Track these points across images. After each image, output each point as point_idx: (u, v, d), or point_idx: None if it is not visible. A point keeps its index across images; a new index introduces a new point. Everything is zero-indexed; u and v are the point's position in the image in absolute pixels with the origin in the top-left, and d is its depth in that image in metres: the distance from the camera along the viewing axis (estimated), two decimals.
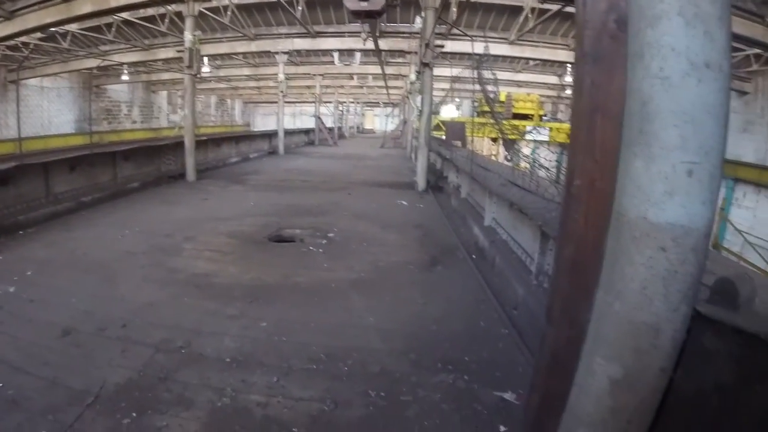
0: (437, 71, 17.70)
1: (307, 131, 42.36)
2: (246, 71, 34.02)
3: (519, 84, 32.59)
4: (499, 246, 8.09)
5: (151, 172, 15.94)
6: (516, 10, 18.73)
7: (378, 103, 62.78)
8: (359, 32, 19.59)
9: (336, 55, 28.41)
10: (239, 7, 20.05)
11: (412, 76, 23.68)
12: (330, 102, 49.74)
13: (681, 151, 1.78)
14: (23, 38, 19.63)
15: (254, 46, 23.43)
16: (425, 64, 15.69)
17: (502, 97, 31.58)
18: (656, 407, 2.12)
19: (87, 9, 14.18)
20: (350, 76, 39.05)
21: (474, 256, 8.62)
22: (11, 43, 21.06)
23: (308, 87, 41.09)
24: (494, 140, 28.76)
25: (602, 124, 2.18)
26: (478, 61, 12.78)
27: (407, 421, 3.95)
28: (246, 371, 4.59)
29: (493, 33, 19.68)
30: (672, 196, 1.81)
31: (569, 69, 24.65)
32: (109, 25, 21.46)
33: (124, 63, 27.04)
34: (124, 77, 32.57)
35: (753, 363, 1.96)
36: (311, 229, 9.98)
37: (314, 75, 34.35)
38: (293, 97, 48.66)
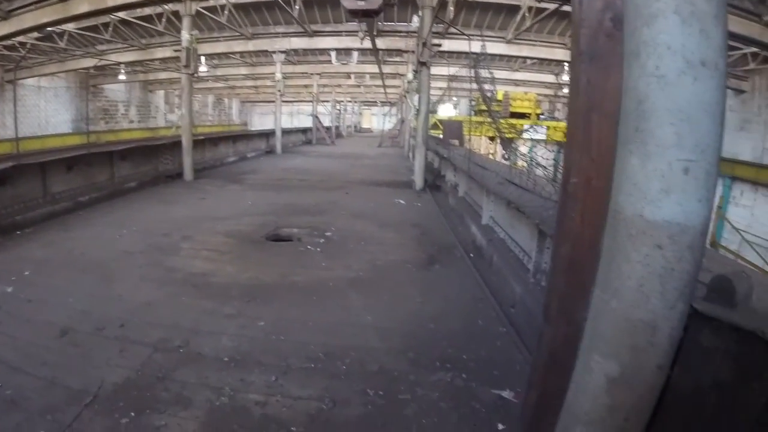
0: (434, 70, 17.74)
1: (304, 130, 42.28)
2: (243, 70, 34.01)
3: (516, 83, 32.59)
4: (497, 244, 8.09)
5: (148, 172, 15.92)
6: (513, 9, 18.73)
7: (375, 102, 62.87)
8: (356, 31, 19.57)
9: (333, 54, 28.40)
10: (236, 6, 20.03)
11: (410, 75, 23.71)
12: (327, 101, 49.74)
13: (677, 149, 1.78)
14: (20, 38, 19.57)
15: (251, 46, 23.42)
16: (422, 63, 15.68)
17: (500, 96, 31.66)
18: (654, 405, 2.12)
19: (84, 8, 14.13)
20: (348, 75, 39.10)
21: (472, 255, 8.63)
22: (8, 42, 21.03)
23: (305, 86, 41.03)
24: (492, 139, 28.79)
25: (598, 122, 2.19)
26: (476, 60, 12.79)
27: (405, 419, 3.96)
28: (244, 370, 4.59)
29: (491, 32, 19.70)
30: (668, 194, 1.82)
31: (566, 68, 24.65)
32: (106, 25, 21.43)
33: (121, 62, 27.03)
34: (121, 77, 32.52)
35: (750, 360, 1.97)
36: (309, 228, 9.98)
37: (311, 74, 34.33)
38: (290, 96, 48.66)
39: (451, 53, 21.23)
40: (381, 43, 20.67)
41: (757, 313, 2.07)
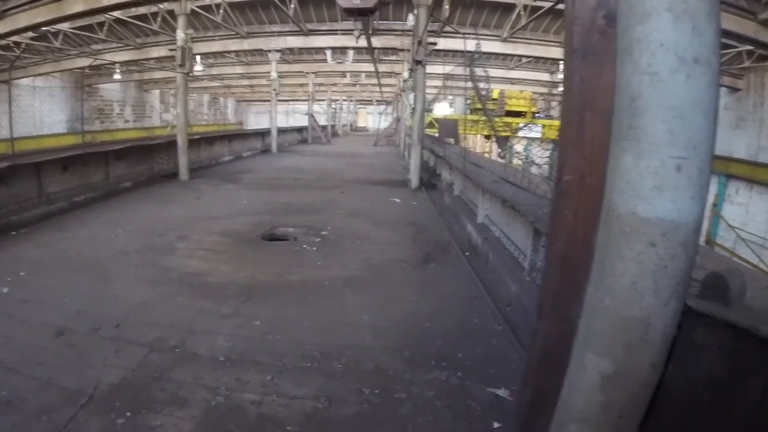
0: (430, 69, 17.74)
1: (300, 129, 42.31)
2: (239, 69, 33.94)
3: (512, 81, 32.57)
4: (492, 243, 8.10)
5: (143, 172, 15.90)
6: (508, 8, 18.72)
7: (371, 100, 62.71)
8: (352, 30, 19.55)
9: (329, 53, 28.30)
10: (232, 5, 19.98)
11: (405, 74, 23.66)
12: (323, 100, 49.74)
13: (670, 147, 1.79)
14: (15, 38, 19.53)
15: (247, 45, 23.37)
16: (418, 62, 15.69)
17: (495, 95, 31.66)
18: (648, 402, 2.13)
19: (78, 8, 14.09)
20: (343, 74, 39.01)
21: (467, 253, 8.63)
22: (3, 42, 20.92)
23: (301, 85, 40.98)
24: (487, 137, 28.82)
25: (592, 119, 2.19)
26: (471, 58, 12.79)
27: (401, 418, 3.96)
28: (240, 370, 4.59)
29: (486, 30, 19.67)
30: (661, 191, 1.82)
31: (561, 66, 24.68)
32: (101, 24, 21.36)
33: (116, 62, 26.97)
34: (117, 76, 32.44)
35: (744, 357, 1.98)
36: (305, 228, 9.97)
37: (307, 73, 34.28)
38: (286, 95, 48.55)
39: (446, 52, 21.22)
40: (376, 41, 20.64)
41: (751, 311, 2.08)
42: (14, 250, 8.13)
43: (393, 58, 28.84)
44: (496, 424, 3.90)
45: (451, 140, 20.03)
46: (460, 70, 15.23)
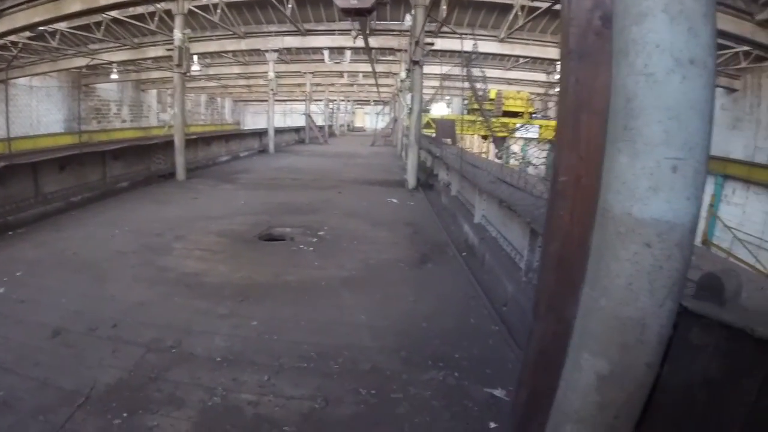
0: (427, 69, 17.70)
1: (297, 129, 42.25)
2: (236, 69, 33.89)
3: (509, 81, 32.57)
4: (489, 243, 8.11)
5: (140, 172, 15.88)
6: (506, 8, 18.71)
7: (368, 101, 62.67)
8: (349, 30, 19.56)
9: (326, 53, 28.30)
10: (229, 5, 19.95)
11: (403, 74, 23.68)
12: (320, 100, 49.70)
13: (665, 147, 1.79)
14: (12, 37, 19.47)
15: (244, 44, 23.34)
16: (415, 62, 15.69)
17: (493, 95, 31.66)
18: (643, 402, 2.13)
19: (76, 7, 14.07)
20: (340, 74, 38.98)
21: (464, 254, 8.64)
22: (0, 42, 20.92)
23: (298, 85, 40.95)
24: (485, 138, 28.81)
25: (587, 120, 2.19)
26: (468, 59, 12.80)
27: (398, 418, 3.96)
28: (237, 370, 4.59)
29: (483, 31, 19.68)
30: (656, 192, 1.82)
31: (557, 66, 24.70)
32: (98, 24, 21.31)
33: (113, 62, 26.89)
34: (114, 76, 32.33)
35: (739, 358, 1.98)
36: (302, 228, 9.97)
37: (304, 73, 34.25)
38: (283, 95, 48.53)
39: (443, 52, 21.19)
40: (374, 41, 20.63)
41: (746, 311, 2.09)
42: (11, 250, 8.12)
43: (390, 58, 28.85)
44: (492, 425, 3.90)
45: (448, 140, 20.00)
46: (457, 71, 15.23)
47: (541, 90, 34.85)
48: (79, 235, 9.14)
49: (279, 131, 33.82)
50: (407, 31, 17.45)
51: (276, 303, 6.26)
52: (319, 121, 46.75)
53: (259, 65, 30.53)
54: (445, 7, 17.37)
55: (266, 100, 30.74)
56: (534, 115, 35.00)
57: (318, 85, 42.42)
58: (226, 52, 26.97)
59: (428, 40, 16.25)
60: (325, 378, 4.52)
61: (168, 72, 25.87)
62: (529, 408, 2.64)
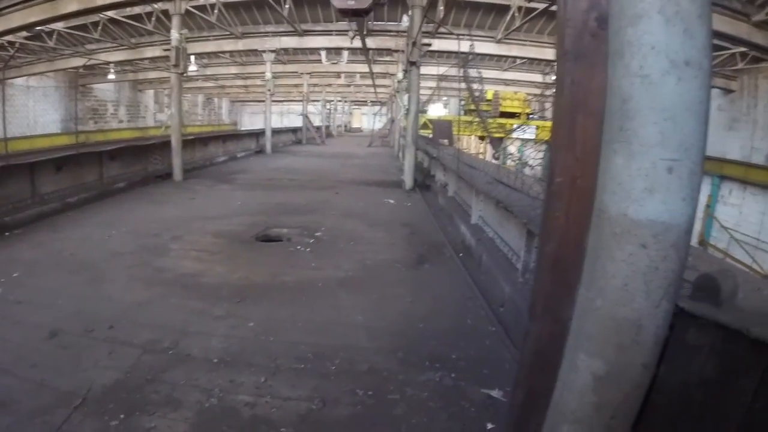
0: (424, 70, 17.76)
1: (294, 130, 42.22)
2: (233, 70, 33.89)
3: (506, 82, 32.56)
4: (486, 244, 8.11)
5: (137, 172, 15.88)
6: (503, 9, 18.72)
7: (366, 101, 62.75)
8: (347, 31, 19.54)
9: (323, 53, 28.30)
10: (226, 5, 19.94)
11: (400, 75, 23.71)
12: (317, 100, 49.68)
13: (661, 148, 1.79)
14: (9, 37, 19.45)
15: (241, 45, 23.35)
16: (412, 63, 15.69)
17: (490, 96, 31.68)
18: (640, 403, 2.13)
19: (73, 7, 14.04)
20: (338, 75, 39.00)
21: (461, 254, 8.65)
22: None
23: (296, 85, 40.90)
24: (482, 138, 28.83)
25: (583, 121, 2.19)
26: (465, 59, 12.81)
27: (395, 419, 3.97)
28: (234, 371, 4.59)
29: (480, 31, 19.70)
30: (652, 193, 1.83)
31: (554, 67, 24.70)
32: (95, 24, 21.28)
33: (110, 62, 26.90)
34: (111, 76, 32.28)
35: (736, 358, 1.99)
36: (299, 228, 9.97)
37: (302, 73, 34.27)
38: (281, 95, 48.48)
39: (441, 53, 21.23)
40: (371, 42, 20.65)
41: (742, 312, 2.09)
42: (8, 251, 8.10)
43: (387, 58, 28.84)
44: (489, 425, 3.91)
45: (445, 141, 20.03)
46: (454, 72, 15.24)
47: (537, 91, 34.90)
48: (76, 235, 9.14)
49: (276, 132, 33.81)
50: (404, 31, 17.49)
51: (273, 304, 6.26)
52: (317, 121, 46.77)
53: (257, 66, 30.51)
54: (442, 8, 17.41)
55: (263, 101, 30.70)
56: (531, 116, 35.03)
57: (315, 85, 42.45)
58: (224, 52, 26.98)
59: (425, 40, 16.28)
60: (322, 379, 4.52)
61: (165, 72, 25.81)
62: (526, 409, 2.64)
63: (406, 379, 4.54)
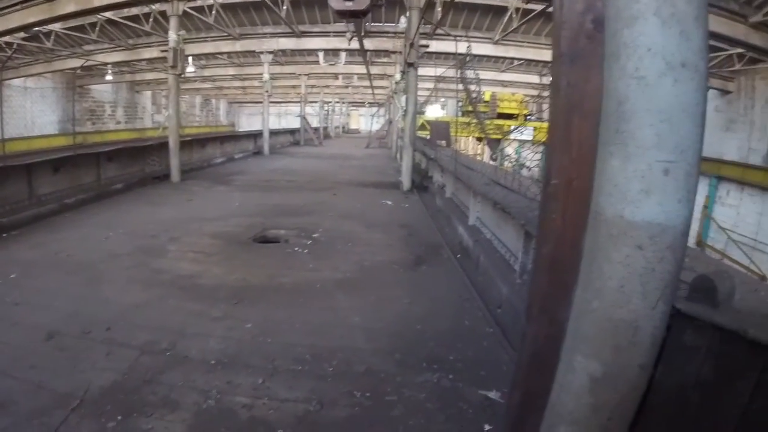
0: (422, 71, 17.75)
1: (292, 131, 42.22)
2: (231, 71, 33.89)
3: (504, 84, 32.61)
4: (484, 245, 8.11)
5: (135, 173, 15.87)
6: (500, 11, 18.74)
7: (363, 102, 62.72)
8: (344, 32, 19.55)
9: (321, 54, 28.34)
10: (224, 6, 19.94)
11: (397, 76, 23.67)
12: (315, 102, 49.69)
13: (657, 150, 1.80)
14: (6, 38, 19.45)
15: (239, 46, 23.34)
16: (410, 64, 15.70)
17: (487, 97, 31.68)
18: (637, 404, 2.14)
19: (70, 8, 14.06)
20: (335, 76, 39.00)
21: (458, 256, 8.65)
22: None
23: (293, 87, 40.88)
24: (479, 140, 28.83)
25: (579, 123, 2.20)
26: (462, 61, 12.81)
27: (392, 420, 3.97)
28: (231, 373, 4.58)
29: (478, 33, 19.71)
30: (648, 195, 1.83)
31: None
32: (93, 25, 21.28)
33: (108, 63, 26.90)
34: (108, 77, 32.30)
35: (732, 359, 1.99)
36: (296, 230, 9.97)
37: (299, 75, 34.23)
38: (278, 97, 48.43)
39: (438, 54, 21.21)
40: (368, 43, 20.66)
41: (739, 313, 2.09)
42: (5, 252, 8.10)
43: (385, 60, 28.80)
44: (487, 427, 3.91)
45: (443, 142, 20.01)
46: (452, 73, 15.24)
47: (535, 92, 34.90)
48: (73, 237, 9.12)
49: (274, 133, 33.78)
50: (402, 33, 17.49)
51: (270, 305, 6.26)
52: (314, 122, 46.73)
53: (254, 67, 30.49)
54: (439, 9, 17.41)
55: (261, 102, 30.67)
56: (528, 117, 35.04)
57: (313, 86, 42.43)
58: (221, 53, 26.94)
59: (423, 42, 16.29)
60: (320, 380, 4.52)
61: (163, 73, 25.79)
62: (523, 410, 2.64)
63: (404, 381, 4.54)
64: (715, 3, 13.23)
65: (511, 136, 21.67)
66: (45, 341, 5.04)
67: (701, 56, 1.80)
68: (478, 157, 22.25)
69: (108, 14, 19.63)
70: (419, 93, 19.47)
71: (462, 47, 13.94)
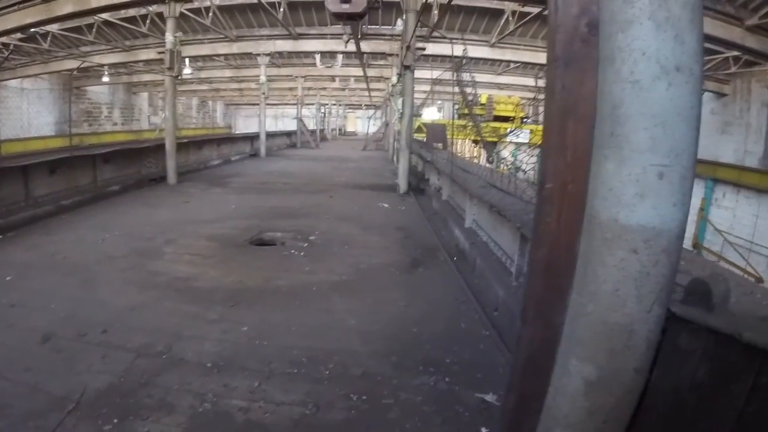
0: (418, 74, 17.73)
1: (289, 133, 42.23)
2: (228, 73, 33.90)
3: (500, 86, 32.64)
4: (480, 248, 8.11)
5: (131, 175, 15.84)
6: (497, 13, 18.80)
7: (360, 105, 62.70)
8: (341, 34, 19.53)
9: (318, 57, 28.31)
10: (221, 8, 19.98)
11: (394, 79, 23.72)
12: (312, 104, 49.71)
13: (651, 154, 1.80)
14: (3, 39, 19.44)
15: (236, 48, 23.34)
16: (406, 67, 15.70)
17: (483, 100, 31.70)
18: (632, 408, 2.14)
19: (68, 9, 14.07)
20: (332, 78, 39.05)
21: (455, 258, 8.64)
22: None
23: (290, 89, 40.98)
24: (476, 142, 28.86)
25: (574, 127, 2.20)
26: (459, 63, 12.82)
27: (389, 423, 3.96)
28: (227, 376, 4.57)
29: (474, 36, 19.77)
30: (643, 198, 1.84)
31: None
32: (89, 26, 21.27)
33: (104, 64, 26.87)
34: (105, 79, 32.29)
35: (728, 363, 1.99)
36: (293, 232, 9.95)
37: (296, 77, 34.30)
38: (275, 99, 48.46)
39: (435, 57, 21.24)
40: (365, 46, 20.68)
41: (734, 316, 2.10)
42: (1, 253, 8.07)
43: (382, 62, 28.85)
44: (483, 430, 3.90)
45: (439, 145, 20.05)
46: (448, 75, 15.26)
47: (531, 95, 34.95)
48: (69, 238, 9.11)
49: (270, 135, 33.79)
50: (399, 35, 17.48)
51: (267, 308, 6.24)
52: (311, 125, 46.77)
53: (251, 69, 30.53)
54: (436, 12, 17.45)
55: (258, 104, 30.71)
56: (525, 120, 35.06)
57: (310, 89, 42.49)
58: (218, 55, 26.95)
59: (419, 44, 16.28)
60: (316, 383, 4.51)
61: (159, 75, 25.86)
62: (519, 413, 2.64)
63: (400, 384, 4.53)
64: (711, 6, 13.28)
65: (508, 139, 21.71)
66: (41, 343, 5.03)
67: (696, 60, 1.80)
68: (475, 160, 22.23)
69: (105, 15, 19.66)
70: (416, 95, 19.51)
71: (458, 50, 13.96)
